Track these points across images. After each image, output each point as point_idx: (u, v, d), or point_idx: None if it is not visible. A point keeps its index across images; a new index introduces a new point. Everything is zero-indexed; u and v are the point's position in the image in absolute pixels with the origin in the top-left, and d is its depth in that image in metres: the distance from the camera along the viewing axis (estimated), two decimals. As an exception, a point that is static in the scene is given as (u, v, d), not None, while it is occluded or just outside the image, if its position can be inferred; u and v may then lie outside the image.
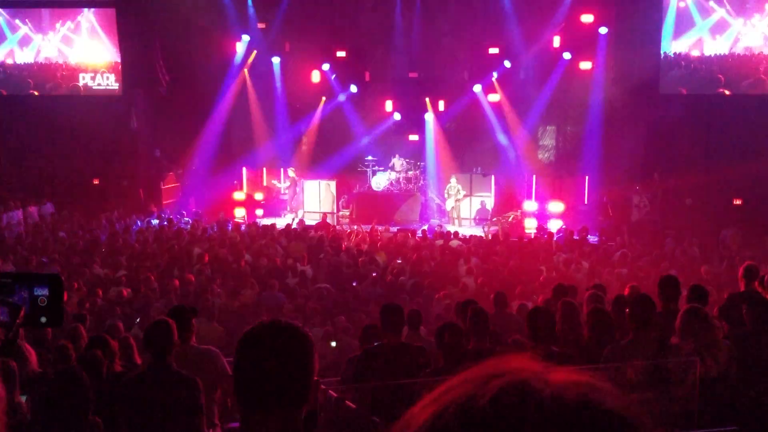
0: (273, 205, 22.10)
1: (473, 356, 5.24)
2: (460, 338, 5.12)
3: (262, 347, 1.90)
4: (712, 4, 19.41)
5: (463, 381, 0.81)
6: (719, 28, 19.48)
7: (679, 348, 4.91)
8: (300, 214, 20.56)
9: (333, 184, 21.34)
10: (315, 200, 21.46)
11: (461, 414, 0.77)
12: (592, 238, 17.04)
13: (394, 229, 18.43)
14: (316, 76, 22.08)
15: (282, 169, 22.03)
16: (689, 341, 4.93)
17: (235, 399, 1.95)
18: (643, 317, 4.99)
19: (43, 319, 2.13)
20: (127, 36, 21.74)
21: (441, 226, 18.71)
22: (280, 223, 18.97)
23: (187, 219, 19.67)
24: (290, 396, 1.89)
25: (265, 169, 22.65)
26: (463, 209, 20.86)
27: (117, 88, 22.37)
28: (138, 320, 9.17)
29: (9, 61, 22.59)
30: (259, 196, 22.39)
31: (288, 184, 21.58)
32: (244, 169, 22.36)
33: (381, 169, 21.67)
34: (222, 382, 5.36)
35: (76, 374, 4.45)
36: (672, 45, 19.89)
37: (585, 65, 20.29)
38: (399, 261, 13.69)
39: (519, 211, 20.24)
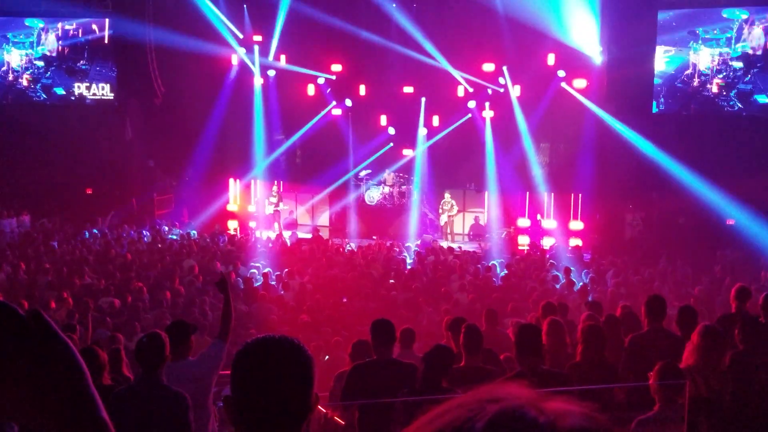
0: (266, 218, 22.05)
1: (464, 373, 5.21)
2: (450, 362, 4.95)
3: (263, 363, 1.79)
4: (703, 26, 19.56)
5: (459, 405, 0.81)
6: (713, 46, 19.60)
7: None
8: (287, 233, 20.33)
9: (326, 197, 21.34)
10: (308, 214, 21.45)
11: None
12: (586, 256, 17.08)
13: (388, 243, 18.39)
14: (311, 90, 22.12)
15: (276, 183, 21.96)
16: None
17: (231, 420, 1.82)
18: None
19: None
20: (122, 46, 21.78)
21: (434, 241, 18.70)
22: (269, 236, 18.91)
23: (178, 230, 19.60)
24: (293, 413, 1.80)
25: (257, 181, 22.62)
26: (457, 225, 20.84)
27: (112, 97, 22.38)
28: (125, 333, 9.05)
29: (4, 70, 22.58)
30: (252, 208, 22.35)
31: (276, 199, 21.48)
32: (235, 181, 22.29)
33: (374, 183, 21.66)
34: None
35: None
36: (666, 64, 20.01)
37: (579, 83, 20.38)
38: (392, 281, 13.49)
39: (512, 227, 20.26)
